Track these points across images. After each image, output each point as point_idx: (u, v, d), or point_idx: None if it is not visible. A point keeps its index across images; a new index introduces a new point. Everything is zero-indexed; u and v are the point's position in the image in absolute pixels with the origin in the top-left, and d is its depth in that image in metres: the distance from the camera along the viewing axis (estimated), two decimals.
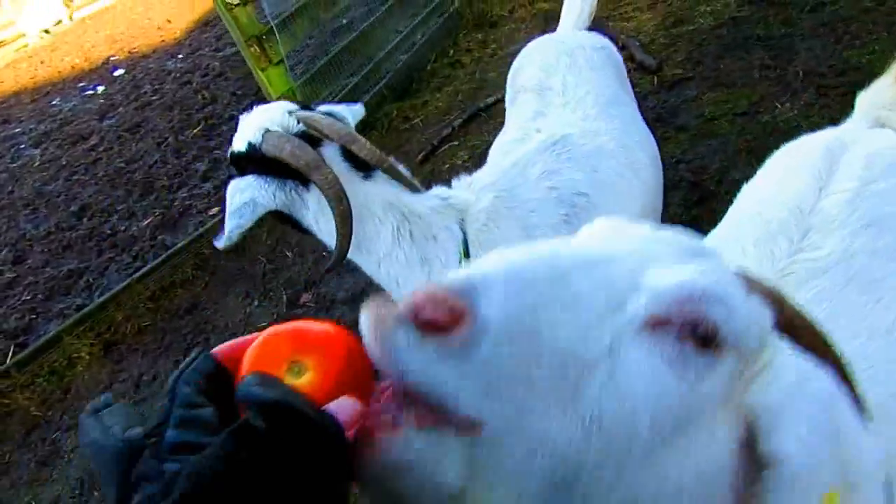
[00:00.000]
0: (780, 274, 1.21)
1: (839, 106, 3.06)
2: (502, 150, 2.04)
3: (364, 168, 1.69)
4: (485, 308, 0.54)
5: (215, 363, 0.62)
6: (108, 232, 4.86)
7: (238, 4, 3.87)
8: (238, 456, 0.49)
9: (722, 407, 0.61)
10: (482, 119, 4.35)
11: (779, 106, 3.35)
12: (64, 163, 6.38)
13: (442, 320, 0.53)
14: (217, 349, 0.64)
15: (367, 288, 3.47)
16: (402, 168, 1.77)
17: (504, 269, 0.58)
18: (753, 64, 3.71)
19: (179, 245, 4.18)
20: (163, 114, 6.64)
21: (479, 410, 0.54)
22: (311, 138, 1.61)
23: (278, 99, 4.21)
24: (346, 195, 1.59)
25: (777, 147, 2.55)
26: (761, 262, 1.26)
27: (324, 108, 1.76)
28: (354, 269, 3.52)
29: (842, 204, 1.27)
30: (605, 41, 2.30)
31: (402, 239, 1.71)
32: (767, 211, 1.38)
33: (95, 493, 2.96)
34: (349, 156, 1.67)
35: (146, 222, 4.79)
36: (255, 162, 1.61)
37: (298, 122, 1.61)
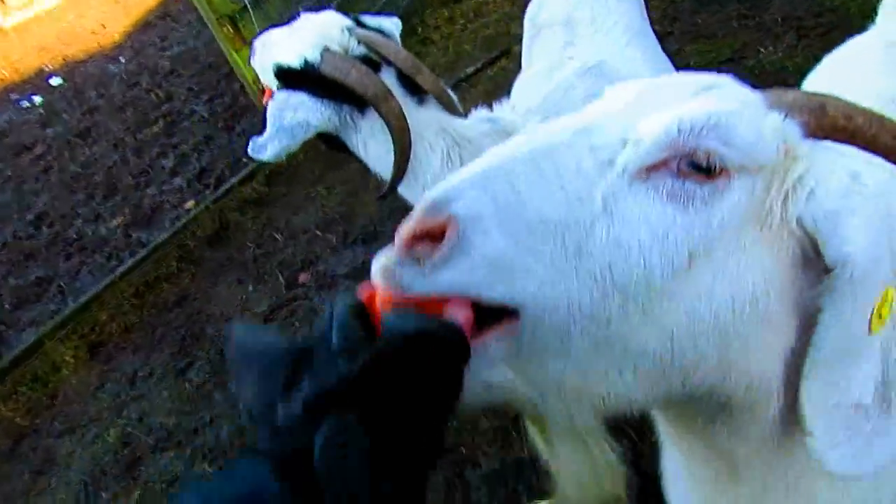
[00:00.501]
0: None
1: (821, 44, 3.15)
2: (532, 82, 2.01)
3: (418, 92, 1.63)
4: (461, 209, 0.57)
5: (358, 300, 0.65)
6: (74, 236, 4.59)
7: None
8: (406, 354, 0.54)
9: (753, 228, 0.62)
10: (464, 88, 4.32)
11: (762, 50, 3.44)
12: (9, 174, 6.00)
13: (432, 238, 0.57)
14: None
15: (368, 261, 3.38)
16: (451, 94, 1.71)
17: (480, 167, 0.62)
18: (731, 15, 3.81)
19: (161, 239, 3.98)
20: (114, 116, 6.33)
21: (504, 294, 0.57)
22: (372, 62, 1.53)
23: (253, 83, 4.07)
24: (409, 127, 1.53)
25: (769, 86, 2.55)
26: None
27: (367, 19, 1.68)
28: (354, 244, 3.44)
29: None
30: None
31: (452, 164, 1.66)
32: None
33: (103, 495, 2.76)
34: (404, 80, 1.60)
35: (116, 222, 4.54)
36: (309, 80, 1.52)
37: (359, 43, 1.53)
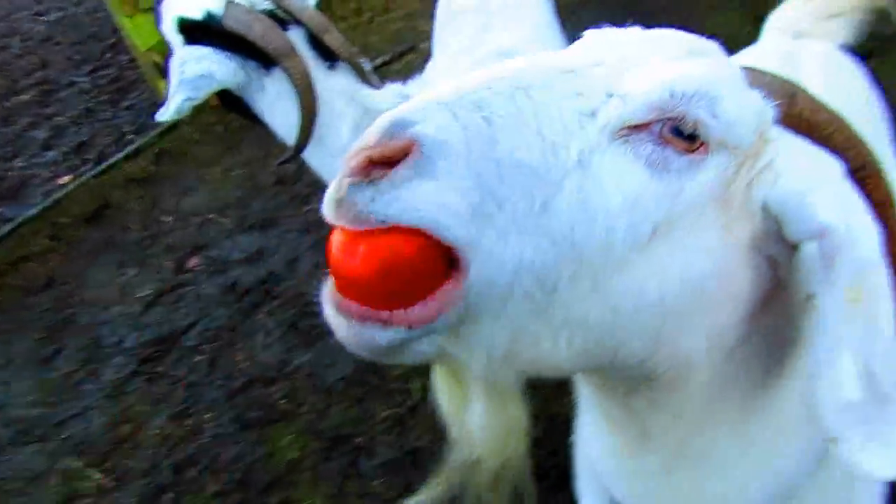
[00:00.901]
0: None
1: None
2: (445, 66, 2.02)
3: (329, 57, 1.59)
4: (427, 131, 0.52)
5: None
6: None
7: None
8: None
9: (713, 210, 0.60)
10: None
11: None
12: None
13: (388, 165, 0.51)
14: None
15: (264, 248, 3.26)
16: (365, 63, 1.68)
17: (450, 91, 0.56)
18: (609, 20, 4.00)
19: (29, 214, 3.61)
20: None
21: (461, 236, 0.52)
22: (279, 19, 1.48)
23: (145, 53, 3.81)
24: (314, 88, 1.49)
25: None
26: None
27: None
28: (251, 229, 3.31)
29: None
30: None
31: (361, 133, 1.62)
32: None
33: None
34: (315, 43, 1.55)
35: None
36: (212, 34, 1.46)
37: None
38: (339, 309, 0.56)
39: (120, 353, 2.90)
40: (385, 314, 0.53)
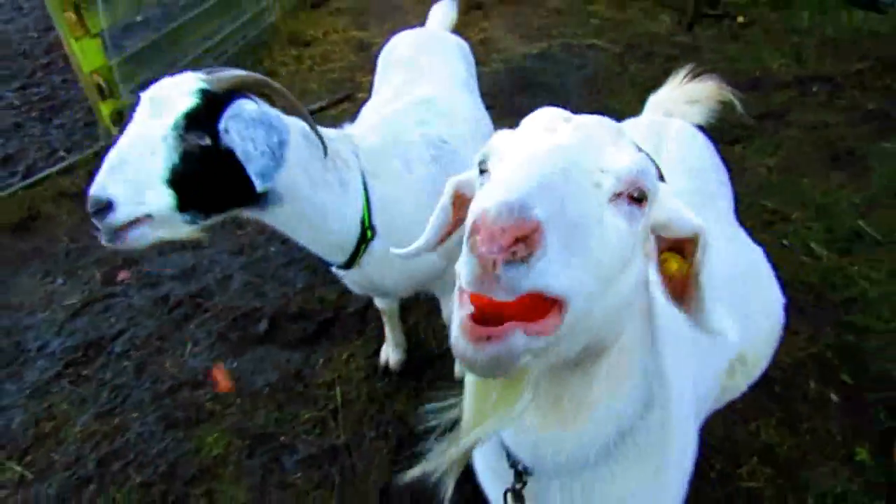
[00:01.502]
0: None
1: None
2: (377, 106, 2.35)
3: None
4: (542, 215, 0.69)
5: None
6: None
7: None
8: None
9: (641, 236, 0.93)
10: None
11: None
12: None
13: (512, 236, 0.67)
14: None
15: (197, 266, 3.43)
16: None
17: (535, 178, 0.74)
18: (539, 103, 4.56)
19: None
20: None
21: (569, 288, 0.72)
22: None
23: (89, 74, 3.98)
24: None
25: None
26: None
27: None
28: (182, 248, 3.48)
29: (674, 165, 1.84)
30: (464, 43, 2.80)
31: (328, 164, 1.81)
32: None
33: None
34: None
35: None
36: (219, 103, 1.54)
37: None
38: (483, 333, 0.70)
39: (43, 357, 2.95)
40: (524, 325, 0.72)
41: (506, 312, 0.70)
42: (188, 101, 1.48)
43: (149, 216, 1.48)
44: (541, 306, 0.71)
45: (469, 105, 2.42)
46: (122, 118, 4.32)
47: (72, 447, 2.53)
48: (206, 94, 1.50)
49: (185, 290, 3.26)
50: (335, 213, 1.82)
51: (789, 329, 2.38)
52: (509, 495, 1.19)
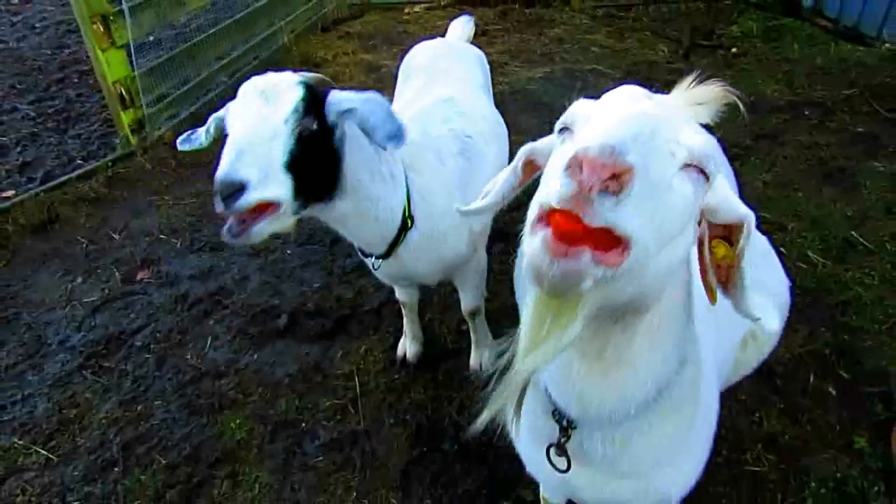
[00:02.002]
0: None
1: None
2: (400, 108, 2.49)
3: None
4: (636, 161, 0.78)
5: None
6: None
7: None
8: None
9: (698, 212, 1.04)
10: None
11: None
12: None
13: (614, 175, 0.75)
14: None
15: (214, 267, 3.53)
16: None
17: (630, 131, 0.83)
18: (543, 122, 4.76)
19: None
20: None
21: (642, 233, 0.78)
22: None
23: (113, 84, 4.13)
24: None
25: None
26: None
27: None
28: (199, 250, 3.59)
29: None
30: (481, 52, 2.97)
31: (381, 159, 1.92)
32: None
33: None
34: None
35: None
36: (316, 96, 1.65)
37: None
38: (562, 248, 0.76)
39: (64, 350, 3.03)
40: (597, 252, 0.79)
41: (577, 241, 0.77)
42: (298, 91, 1.58)
43: (274, 203, 1.54)
44: (606, 244, 0.78)
45: (486, 106, 2.58)
46: (141, 127, 4.46)
47: (96, 432, 2.59)
48: (307, 86, 1.61)
49: (204, 288, 3.36)
50: (385, 204, 1.92)
51: (789, 327, 2.52)
52: (553, 450, 1.27)
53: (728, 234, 1.06)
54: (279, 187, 1.53)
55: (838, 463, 2.31)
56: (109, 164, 4.33)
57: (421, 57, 2.78)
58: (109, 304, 3.31)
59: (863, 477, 2.25)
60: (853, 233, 3.40)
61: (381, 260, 2.09)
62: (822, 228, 3.45)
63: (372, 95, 1.70)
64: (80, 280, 3.49)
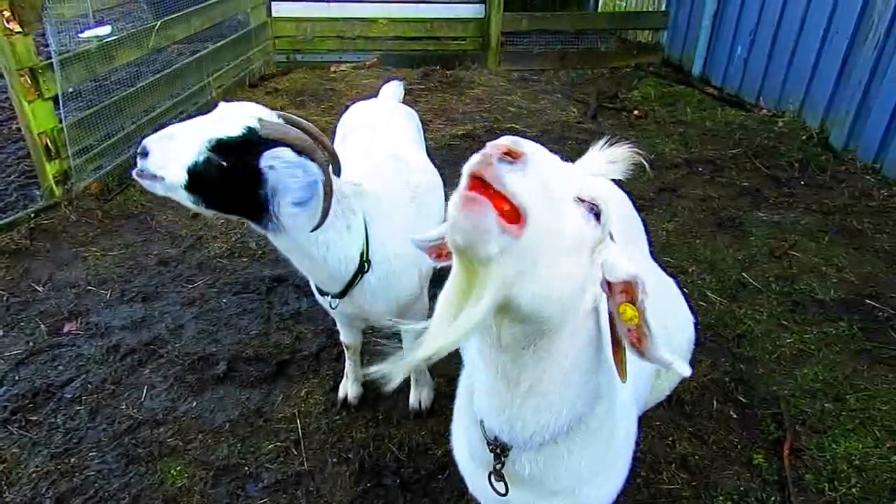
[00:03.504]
0: None
1: None
2: (353, 162, 2.67)
3: None
4: (527, 150, 0.90)
5: None
6: None
7: (19, 33, 3.83)
8: None
9: (590, 250, 1.20)
10: None
11: None
12: None
13: (511, 155, 0.88)
14: None
15: (147, 317, 3.52)
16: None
17: (536, 147, 0.95)
18: None
19: None
20: None
21: (530, 204, 0.88)
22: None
23: (39, 135, 4.10)
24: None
25: None
26: None
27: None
28: (130, 300, 3.57)
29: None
30: (413, 111, 3.22)
31: (337, 212, 2.07)
32: None
33: None
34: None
35: None
36: (251, 145, 1.79)
37: (278, 118, 1.93)
38: (472, 196, 0.84)
39: None
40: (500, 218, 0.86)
41: (483, 195, 0.87)
42: (234, 131, 1.77)
43: (163, 178, 1.80)
44: (508, 215, 0.87)
45: (424, 159, 2.81)
46: (66, 178, 4.41)
47: (26, 487, 2.52)
48: (252, 132, 1.79)
49: (137, 339, 3.34)
50: (336, 253, 2.09)
51: (694, 359, 2.83)
52: (492, 476, 1.44)
53: (631, 298, 1.20)
54: (172, 175, 1.78)
55: (741, 478, 2.59)
56: (31, 215, 4.23)
57: (360, 115, 2.99)
58: (35, 357, 3.22)
59: (762, 489, 2.54)
60: (744, 274, 3.83)
61: (337, 300, 2.24)
62: (718, 271, 3.87)
63: (304, 164, 1.83)
64: (0, 333, 3.38)
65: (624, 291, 1.19)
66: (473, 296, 0.94)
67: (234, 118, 1.80)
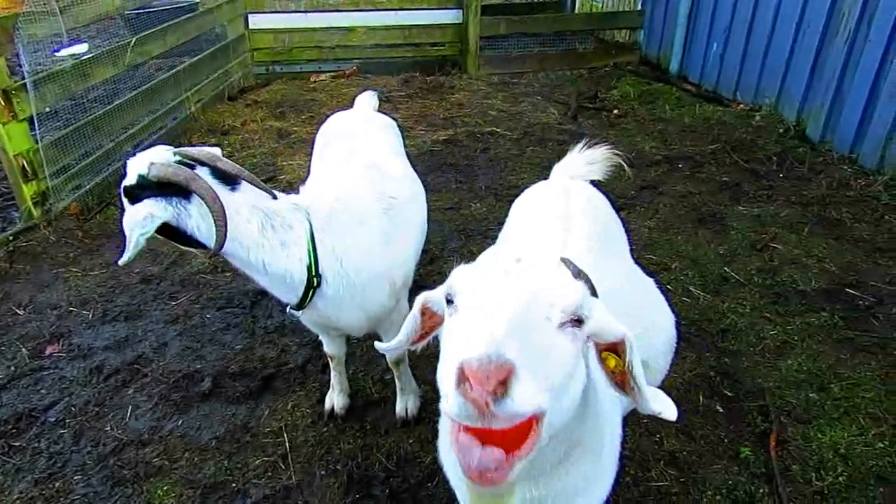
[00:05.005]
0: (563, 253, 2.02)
1: (510, 206, 4.48)
2: (326, 169, 2.67)
3: (230, 182, 2.10)
4: (513, 358, 0.89)
5: None
6: None
7: None
8: None
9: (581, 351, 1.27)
10: None
11: (473, 205, 4.69)
12: None
13: (496, 380, 0.86)
14: None
15: (130, 336, 3.49)
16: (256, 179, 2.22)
17: (503, 325, 0.95)
18: (450, 180, 5.09)
19: None
20: None
21: (542, 405, 0.93)
22: (188, 164, 2.01)
23: (14, 157, 4.07)
24: (218, 197, 1.99)
25: (479, 229, 3.77)
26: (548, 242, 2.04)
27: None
28: (113, 320, 3.54)
29: (580, 214, 2.19)
30: (391, 120, 3.22)
31: (266, 230, 2.14)
32: (537, 222, 2.21)
33: None
34: (218, 174, 2.07)
35: None
36: (146, 188, 1.97)
37: (175, 155, 2.02)
38: (497, 478, 0.90)
39: None
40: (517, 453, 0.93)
41: (494, 435, 0.90)
42: (132, 178, 1.99)
43: None
44: (517, 433, 0.90)
45: (404, 168, 2.81)
46: (44, 199, 4.37)
47: None
48: (141, 179, 1.98)
49: (121, 358, 3.31)
50: (275, 268, 2.17)
51: (679, 355, 2.84)
52: None
53: (614, 347, 1.23)
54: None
55: (729, 472, 2.60)
56: (10, 238, 4.19)
57: (340, 125, 2.99)
58: (17, 382, 3.18)
59: (750, 482, 2.55)
60: (726, 269, 3.86)
61: (298, 311, 2.30)
62: (700, 266, 3.90)
63: (143, 223, 1.99)
64: None
65: (610, 345, 1.22)
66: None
67: (137, 165, 2.00)
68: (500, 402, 0.85)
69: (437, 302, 1.35)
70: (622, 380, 1.23)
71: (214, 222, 1.98)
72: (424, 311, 1.39)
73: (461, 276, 1.15)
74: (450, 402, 0.89)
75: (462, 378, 0.87)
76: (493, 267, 1.14)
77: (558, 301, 1.08)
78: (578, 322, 1.10)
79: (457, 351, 0.95)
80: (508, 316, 0.98)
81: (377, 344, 1.55)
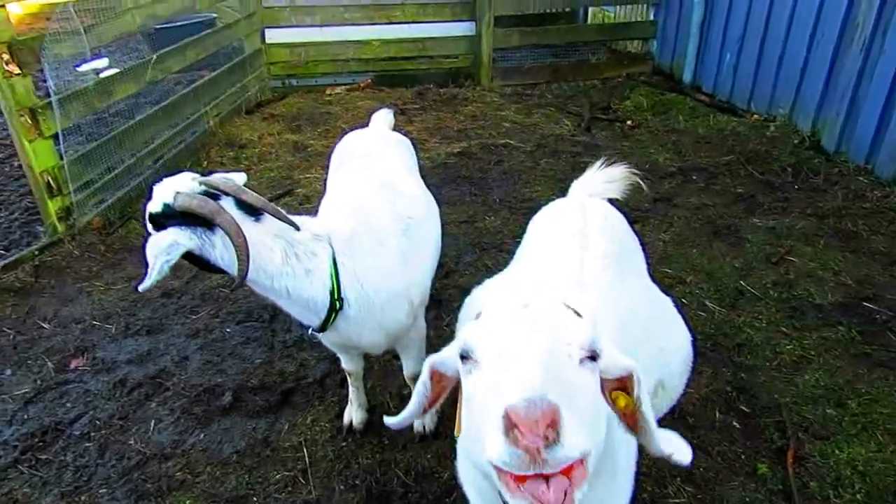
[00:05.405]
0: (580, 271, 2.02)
1: (524, 219, 4.52)
2: (340, 191, 2.71)
3: (254, 213, 2.14)
4: (554, 397, 0.91)
5: None
6: None
7: (18, 74, 3.90)
8: None
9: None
10: None
11: (487, 218, 4.73)
12: None
13: (545, 424, 0.88)
14: None
15: (153, 350, 3.56)
16: (281, 210, 2.25)
17: (536, 368, 0.98)
18: (465, 193, 5.14)
19: None
20: None
21: (589, 446, 0.96)
22: (213, 195, 2.06)
23: (40, 173, 4.17)
24: (241, 230, 2.03)
25: (493, 242, 3.76)
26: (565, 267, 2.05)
27: (217, 174, 2.22)
28: (135, 334, 3.61)
29: (597, 233, 2.22)
30: (406, 139, 3.27)
31: (290, 258, 2.18)
32: (554, 241, 2.25)
33: None
34: (242, 205, 2.12)
35: None
36: (171, 217, 2.01)
37: (200, 185, 2.05)
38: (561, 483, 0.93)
39: None
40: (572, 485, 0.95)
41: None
42: (157, 206, 2.03)
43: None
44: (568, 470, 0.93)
45: (419, 186, 2.85)
46: (68, 214, 4.47)
47: None
48: (166, 208, 2.01)
49: (143, 372, 3.38)
50: (299, 295, 2.20)
51: (695, 370, 2.85)
52: None
53: (623, 385, 1.24)
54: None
55: (746, 489, 2.60)
56: (35, 252, 4.29)
57: (355, 145, 3.04)
58: (43, 395, 3.26)
59: (767, 499, 2.55)
60: (741, 282, 3.86)
61: (319, 333, 2.35)
62: (716, 280, 3.91)
63: (153, 240, 2.02)
64: (8, 372, 3.42)
65: (619, 382, 1.23)
66: None
67: (161, 193, 2.04)
68: (552, 449, 0.87)
69: (446, 363, 1.35)
70: (633, 421, 1.24)
71: (237, 256, 2.02)
72: (433, 375, 1.38)
73: (473, 332, 1.15)
74: (497, 451, 0.90)
75: (510, 425, 0.87)
76: (504, 316, 1.15)
77: (574, 339, 1.11)
78: (593, 357, 1.13)
79: (493, 402, 0.95)
80: (537, 359, 0.99)
81: (387, 419, 1.56)
